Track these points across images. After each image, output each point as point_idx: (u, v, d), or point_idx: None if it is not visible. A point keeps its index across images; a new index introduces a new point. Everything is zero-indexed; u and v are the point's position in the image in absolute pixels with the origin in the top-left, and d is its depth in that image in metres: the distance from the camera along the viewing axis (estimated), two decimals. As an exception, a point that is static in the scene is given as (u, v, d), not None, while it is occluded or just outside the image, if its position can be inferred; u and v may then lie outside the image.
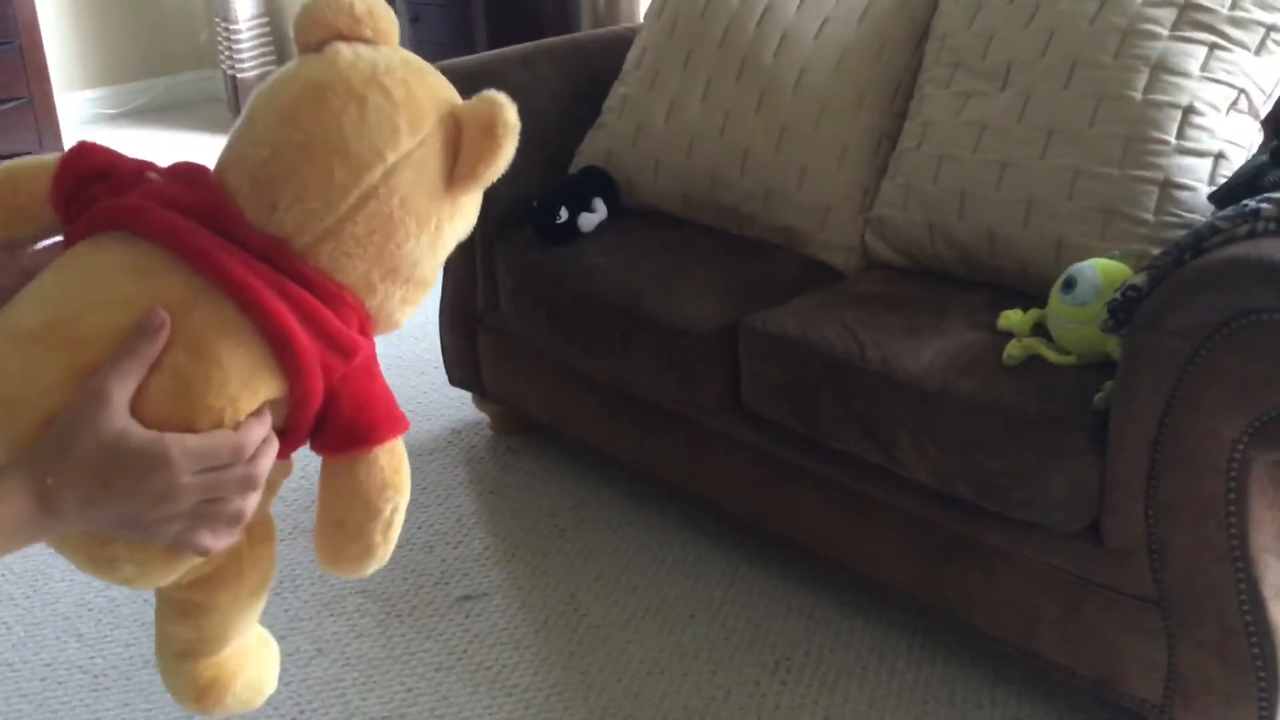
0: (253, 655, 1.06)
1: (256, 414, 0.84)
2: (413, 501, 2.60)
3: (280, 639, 1.94)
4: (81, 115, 5.11)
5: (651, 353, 2.02)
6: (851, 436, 1.76)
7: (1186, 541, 1.48)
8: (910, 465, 1.70)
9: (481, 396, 2.56)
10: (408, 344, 3.02)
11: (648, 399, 2.11)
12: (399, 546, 2.29)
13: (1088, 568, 1.59)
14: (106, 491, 0.76)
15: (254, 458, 0.83)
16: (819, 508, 1.91)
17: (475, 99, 0.91)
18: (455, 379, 2.55)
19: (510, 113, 0.89)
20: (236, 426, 0.82)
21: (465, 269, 2.41)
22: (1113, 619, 1.58)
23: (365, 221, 0.86)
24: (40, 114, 4.38)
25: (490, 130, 0.89)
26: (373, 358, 0.92)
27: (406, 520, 2.54)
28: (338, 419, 0.89)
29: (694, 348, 1.95)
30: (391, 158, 0.86)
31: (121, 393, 0.77)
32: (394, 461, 0.93)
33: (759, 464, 1.97)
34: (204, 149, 4.49)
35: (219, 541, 0.83)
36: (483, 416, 2.62)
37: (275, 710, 1.80)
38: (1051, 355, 1.65)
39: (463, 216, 0.94)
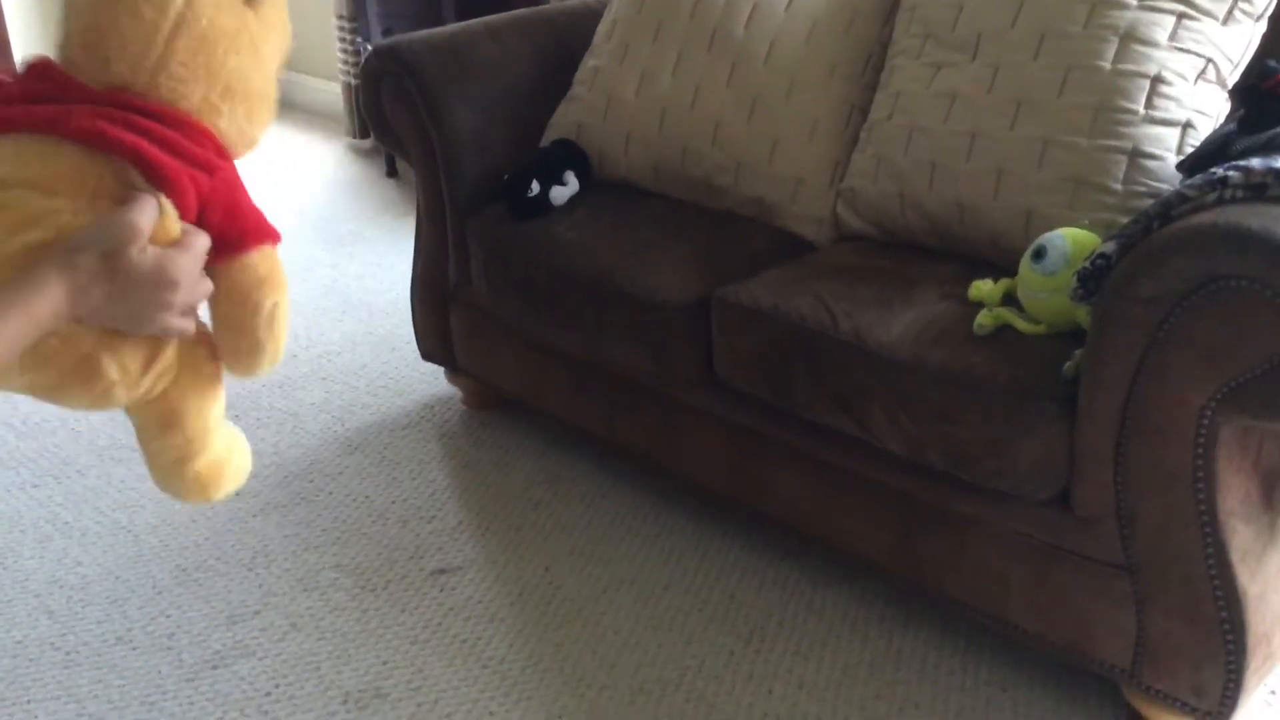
0: (236, 440, 1.20)
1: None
2: (386, 476, 2.59)
3: (254, 615, 1.95)
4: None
5: (624, 326, 2.01)
6: (824, 407, 1.77)
7: (1155, 508, 1.49)
8: (882, 435, 1.71)
9: (454, 372, 2.55)
10: (379, 320, 3.01)
11: (620, 372, 2.11)
12: (373, 520, 2.30)
13: (1058, 535, 1.60)
14: (126, 298, 0.96)
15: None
16: (792, 479, 1.92)
17: None
18: (427, 354, 2.54)
19: None
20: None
21: (437, 244, 2.40)
22: (1082, 585, 1.59)
23: (185, 48, 1.00)
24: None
25: None
26: (235, 176, 1.05)
27: (380, 494, 2.52)
28: (211, 229, 1.02)
29: (666, 321, 1.95)
30: None
31: (148, 229, 0.96)
32: (268, 263, 1.06)
33: (732, 436, 1.98)
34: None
35: (189, 324, 1.03)
36: (455, 391, 2.62)
37: (251, 685, 1.80)
38: (1022, 324, 1.66)
39: (271, 28, 1.07)
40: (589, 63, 2.41)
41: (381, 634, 1.91)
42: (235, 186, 1.05)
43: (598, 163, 2.35)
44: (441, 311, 2.45)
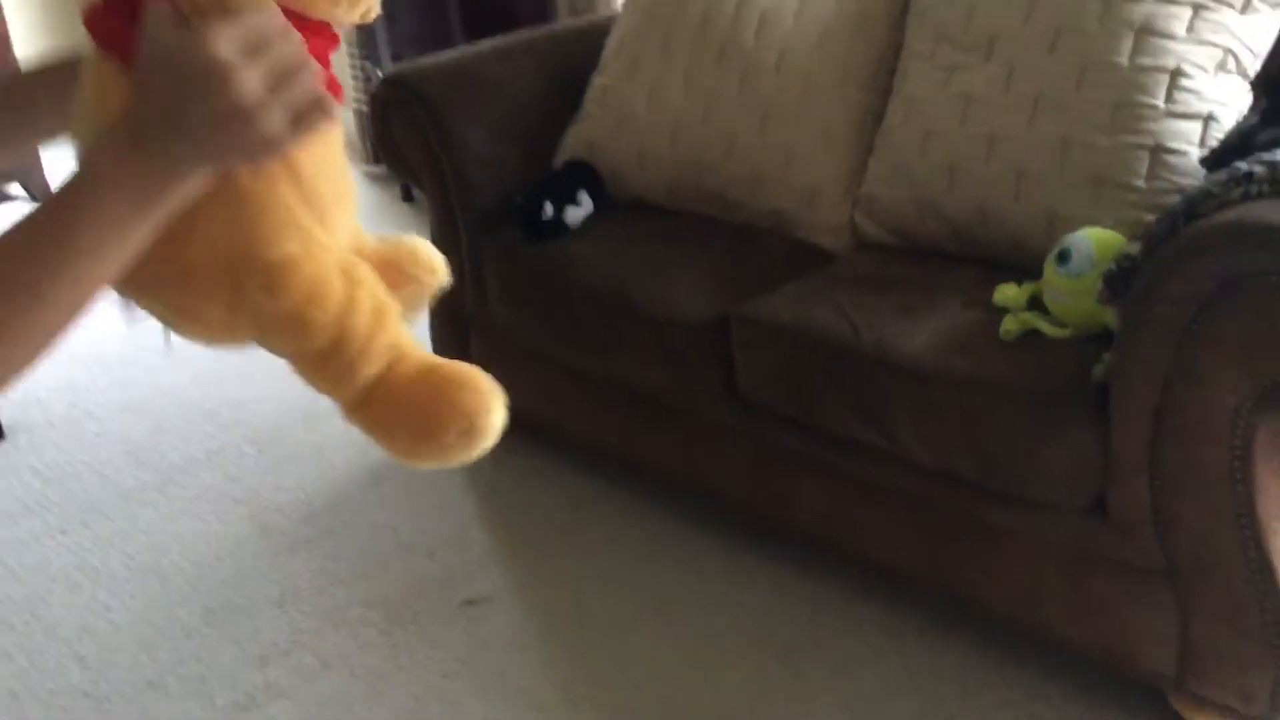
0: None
1: None
2: (412, 506, 2.55)
3: (285, 655, 1.94)
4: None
5: (644, 346, 1.99)
6: (849, 420, 1.74)
7: (1193, 511, 1.46)
8: (909, 447, 1.68)
9: (476, 397, 2.53)
10: (399, 347, 2.99)
11: (641, 391, 2.09)
12: (400, 552, 2.27)
13: (1094, 542, 1.57)
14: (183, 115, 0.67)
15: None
16: (819, 493, 1.89)
17: None
18: (448, 380, 2.52)
19: None
20: None
21: (453, 270, 2.38)
22: (1122, 593, 1.56)
23: None
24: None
25: None
26: None
27: (406, 525, 2.49)
28: None
29: (686, 338, 1.93)
30: None
31: None
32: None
33: (756, 452, 1.95)
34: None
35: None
36: (478, 417, 2.60)
37: (282, 726, 1.79)
38: (1048, 329, 1.63)
39: None
40: (598, 81, 2.39)
41: (412, 669, 1.89)
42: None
43: (612, 181, 2.33)
44: (461, 337, 2.43)
